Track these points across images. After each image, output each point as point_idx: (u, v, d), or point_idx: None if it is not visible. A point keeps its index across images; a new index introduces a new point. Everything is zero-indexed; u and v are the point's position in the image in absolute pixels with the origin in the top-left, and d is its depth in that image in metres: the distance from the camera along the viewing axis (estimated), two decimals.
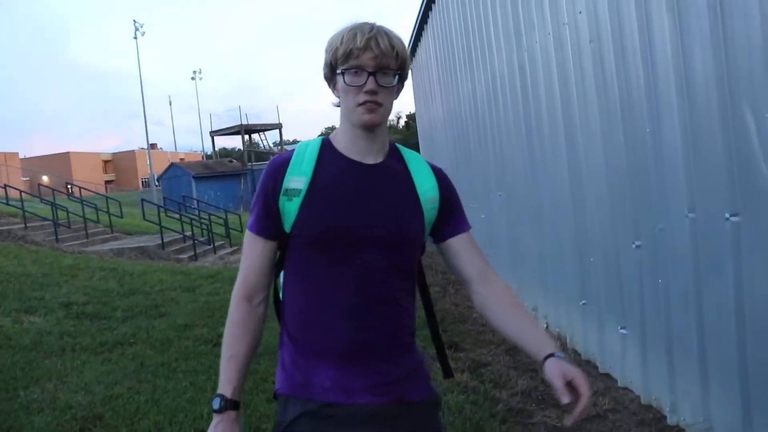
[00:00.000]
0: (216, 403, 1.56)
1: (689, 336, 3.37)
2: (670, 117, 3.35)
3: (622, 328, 4.20)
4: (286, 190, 1.59)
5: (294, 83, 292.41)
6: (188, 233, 16.29)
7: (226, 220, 18.51)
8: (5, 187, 18.60)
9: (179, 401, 4.36)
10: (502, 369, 4.86)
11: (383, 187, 1.64)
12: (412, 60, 13.41)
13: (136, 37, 47.29)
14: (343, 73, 1.57)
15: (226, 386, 1.58)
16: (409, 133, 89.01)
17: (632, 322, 4.07)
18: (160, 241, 15.27)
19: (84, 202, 17.56)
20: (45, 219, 15.81)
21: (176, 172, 40.20)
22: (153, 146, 67.02)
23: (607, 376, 4.48)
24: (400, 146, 1.76)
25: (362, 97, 1.55)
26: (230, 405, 1.57)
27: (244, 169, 39.03)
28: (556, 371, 1.47)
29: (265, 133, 46.73)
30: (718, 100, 2.92)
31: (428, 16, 10.62)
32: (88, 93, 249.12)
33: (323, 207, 1.58)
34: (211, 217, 18.17)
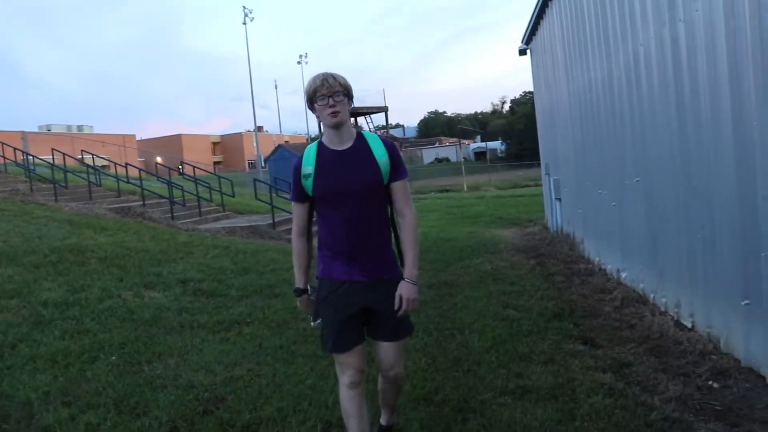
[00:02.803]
0: (297, 293, 3.05)
1: None
2: None
3: None
4: (304, 175, 2.91)
5: (397, 69, 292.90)
6: None
7: None
8: (126, 165, 19.44)
9: (301, 387, 4.17)
10: (648, 371, 4.37)
11: (354, 160, 2.87)
12: (531, 41, 12.93)
13: (245, 23, 48.60)
14: (316, 101, 2.82)
15: (301, 281, 3.05)
16: (513, 117, 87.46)
17: None
18: (272, 221, 15.47)
19: (197, 181, 18.06)
20: (161, 197, 16.41)
21: (283, 153, 41.25)
22: (260, 129, 68.87)
23: None
24: (363, 132, 2.99)
25: (328, 110, 2.79)
26: (305, 292, 3.04)
27: None
28: (399, 290, 2.87)
29: (371, 116, 46.87)
30: None
31: None
32: (200, 78, 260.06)
33: (323, 180, 2.86)
34: None
